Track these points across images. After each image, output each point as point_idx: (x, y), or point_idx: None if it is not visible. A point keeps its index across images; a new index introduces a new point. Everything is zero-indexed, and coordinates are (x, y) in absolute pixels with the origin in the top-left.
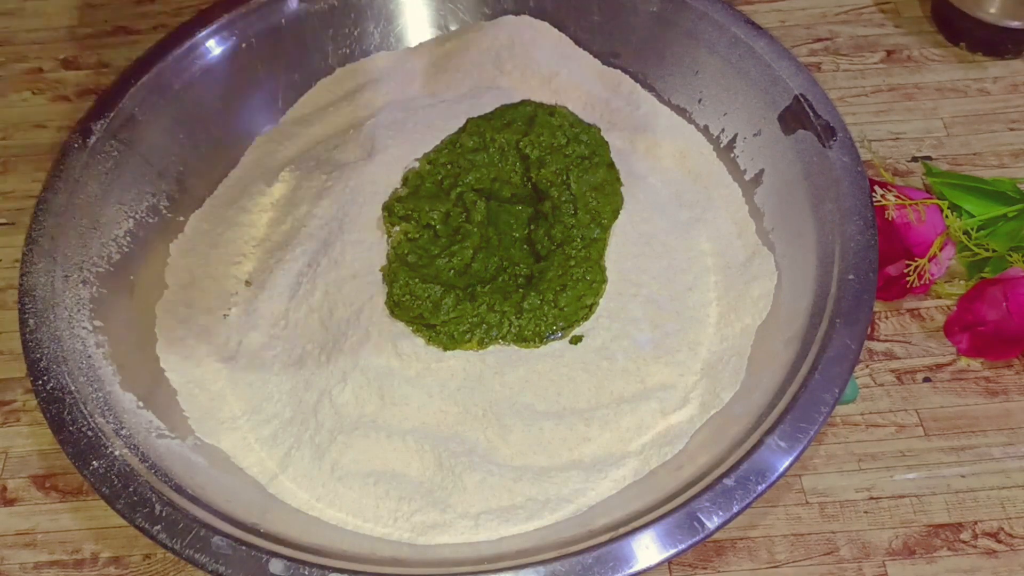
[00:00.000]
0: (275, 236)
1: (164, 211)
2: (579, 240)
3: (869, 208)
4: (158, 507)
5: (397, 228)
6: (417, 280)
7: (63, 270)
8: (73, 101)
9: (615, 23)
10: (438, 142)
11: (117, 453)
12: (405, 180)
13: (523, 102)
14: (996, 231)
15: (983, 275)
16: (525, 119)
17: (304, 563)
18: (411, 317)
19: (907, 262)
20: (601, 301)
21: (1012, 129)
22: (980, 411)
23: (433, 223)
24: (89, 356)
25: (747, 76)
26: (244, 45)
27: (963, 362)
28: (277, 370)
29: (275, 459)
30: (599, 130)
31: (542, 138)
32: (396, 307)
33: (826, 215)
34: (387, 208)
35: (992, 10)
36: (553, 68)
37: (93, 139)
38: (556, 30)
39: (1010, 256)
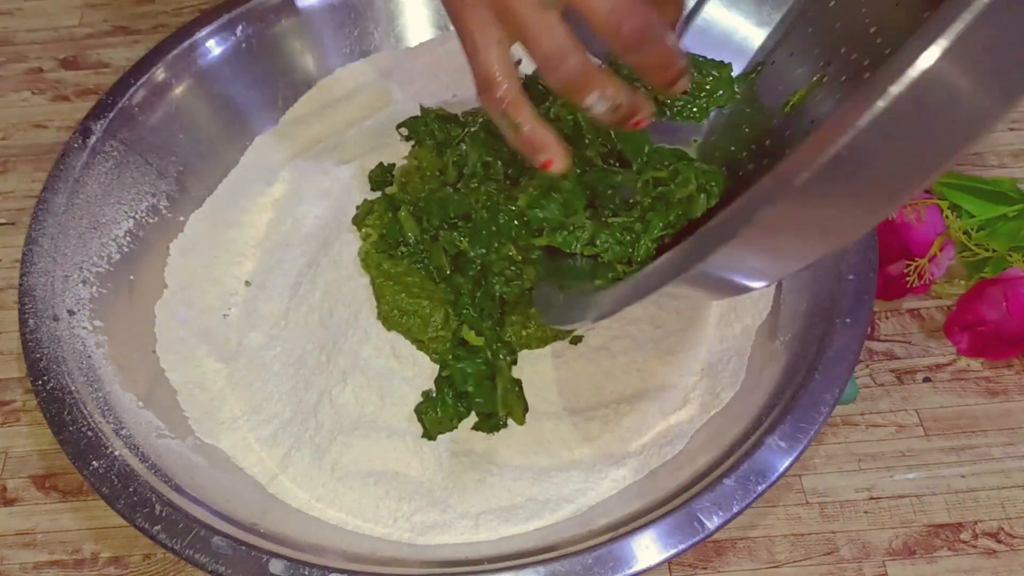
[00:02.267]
0: (275, 236)
1: (164, 211)
2: None
3: None
4: (158, 507)
5: (366, 228)
6: (403, 295)
7: (63, 270)
8: (73, 101)
9: None
10: None
11: (117, 453)
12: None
13: None
14: (996, 231)
15: (983, 275)
16: None
17: (304, 563)
18: (402, 330)
19: (907, 262)
20: None
21: (1012, 129)
22: (980, 411)
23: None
24: (89, 356)
25: None
26: (244, 45)
27: (963, 362)
28: (277, 370)
29: (275, 459)
30: None
31: None
32: (386, 321)
33: None
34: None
35: None
36: None
37: (93, 139)
38: None
39: (1010, 256)
